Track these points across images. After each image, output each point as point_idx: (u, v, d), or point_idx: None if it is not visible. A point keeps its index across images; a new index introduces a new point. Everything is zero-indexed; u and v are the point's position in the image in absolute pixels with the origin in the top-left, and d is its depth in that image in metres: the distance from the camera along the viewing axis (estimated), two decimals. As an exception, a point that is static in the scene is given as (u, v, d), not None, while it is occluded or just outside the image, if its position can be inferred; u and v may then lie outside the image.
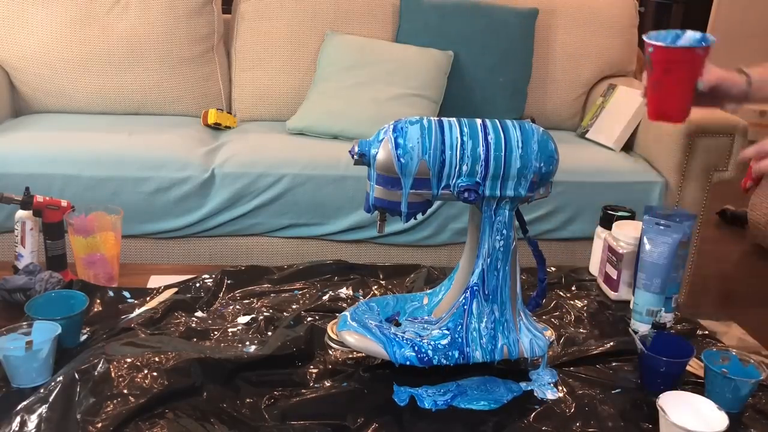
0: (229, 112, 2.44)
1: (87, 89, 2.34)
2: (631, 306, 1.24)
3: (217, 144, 2.15)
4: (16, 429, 0.85)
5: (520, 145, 0.97)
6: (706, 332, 1.24)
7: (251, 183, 1.99)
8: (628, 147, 2.33)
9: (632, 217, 1.37)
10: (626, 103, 2.34)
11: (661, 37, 1.03)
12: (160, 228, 2.00)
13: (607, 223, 1.38)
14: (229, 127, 2.34)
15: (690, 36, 1.04)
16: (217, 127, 2.32)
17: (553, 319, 1.25)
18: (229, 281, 1.31)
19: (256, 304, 1.24)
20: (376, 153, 0.95)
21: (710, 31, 5.53)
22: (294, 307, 1.23)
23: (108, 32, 2.30)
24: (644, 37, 1.03)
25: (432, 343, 1.00)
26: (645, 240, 1.19)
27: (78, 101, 2.36)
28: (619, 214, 1.37)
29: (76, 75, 2.32)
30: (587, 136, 2.42)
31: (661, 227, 1.18)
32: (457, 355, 1.00)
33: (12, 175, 1.90)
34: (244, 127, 2.37)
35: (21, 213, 1.29)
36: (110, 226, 1.29)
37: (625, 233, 1.28)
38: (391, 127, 0.96)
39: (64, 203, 1.30)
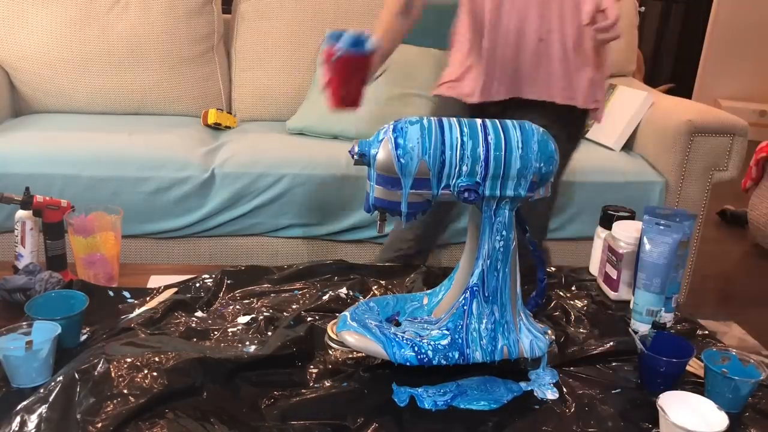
0: (229, 112, 2.44)
1: (87, 89, 2.34)
2: (631, 306, 1.24)
3: (217, 144, 2.15)
4: (16, 429, 0.85)
5: (520, 145, 0.97)
6: (706, 332, 1.24)
7: (251, 183, 1.99)
8: (628, 147, 2.33)
9: (632, 217, 1.37)
10: (626, 103, 2.34)
11: (331, 39, 1.21)
12: (160, 228, 2.00)
13: (607, 223, 1.38)
14: (229, 127, 2.34)
15: (349, 37, 1.22)
16: (217, 127, 2.32)
17: (553, 319, 1.25)
18: (229, 281, 1.31)
19: (256, 304, 1.24)
20: (376, 153, 0.95)
21: (710, 31, 5.53)
22: (294, 307, 1.23)
23: (108, 32, 2.30)
24: (327, 42, 1.20)
25: (432, 343, 1.00)
26: (645, 240, 1.19)
27: (78, 101, 2.36)
28: (619, 214, 1.37)
29: (76, 75, 2.32)
30: (587, 136, 2.42)
31: (661, 227, 1.18)
32: (457, 356, 1.00)
33: (12, 175, 1.90)
34: (244, 127, 2.37)
35: (21, 213, 1.29)
36: (110, 226, 1.29)
37: (625, 233, 1.28)
38: (391, 127, 0.96)
39: (64, 203, 1.30)
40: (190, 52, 2.38)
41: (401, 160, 0.94)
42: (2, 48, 2.29)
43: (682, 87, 4.93)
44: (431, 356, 0.99)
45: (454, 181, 0.96)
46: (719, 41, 5.07)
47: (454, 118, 0.98)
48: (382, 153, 0.95)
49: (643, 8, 3.83)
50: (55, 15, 2.28)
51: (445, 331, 1.01)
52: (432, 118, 0.97)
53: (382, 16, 1.44)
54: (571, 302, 1.31)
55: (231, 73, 2.49)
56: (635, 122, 2.30)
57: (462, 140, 0.95)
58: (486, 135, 0.96)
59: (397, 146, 0.94)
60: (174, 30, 2.34)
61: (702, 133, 2.09)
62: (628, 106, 2.31)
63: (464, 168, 0.96)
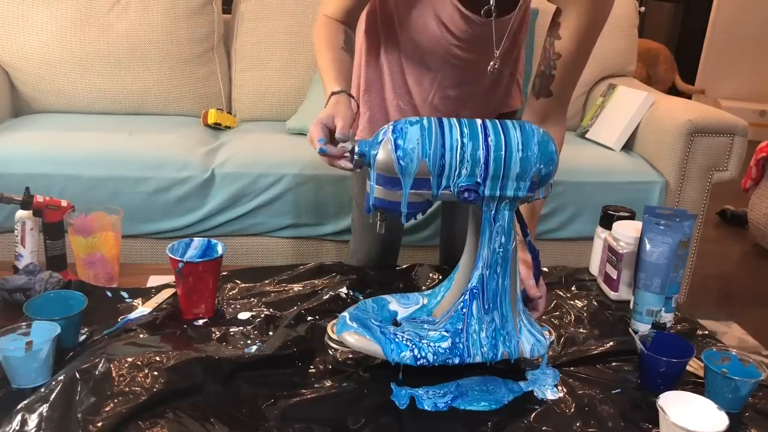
0: (229, 112, 2.44)
1: (87, 89, 2.34)
2: (631, 306, 1.24)
3: (217, 144, 2.15)
4: (17, 428, 0.85)
5: (520, 147, 0.96)
6: (706, 332, 1.24)
7: (251, 183, 1.99)
8: (628, 147, 2.33)
9: (632, 217, 1.37)
10: (626, 103, 2.34)
11: (174, 249, 1.18)
12: (160, 228, 2.00)
13: (607, 223, 1.38)
14: (229, 127, 2.34)
15: (200, 242, 1.22)
16: (217, 127, 2.33)
17: (553, 319, 1.25)
18: (229, 281, 1.31)
19: (257, 304, 1.24)
20: (376, 154, 0.95)
21: (710, 31, 5.50)
22: (294, 307, 1.23)
23: (108, 32, 2.30)
24: (168, 254, 1.15)
25: (432, 345, 0.99)
26: (645, 240, 1.19)
27: (78, 101, 2.36)
28: (619, 214, 1.37)
29: (76, 75, 2.32)
30: (587, 136, 2.43)
31: (661, 227, 1.18)
32: (457, 362, 1.00)
33: (12, 175, 1.90)
34: (244, 127, 2.37)
35: (21, 213, 1.29)
36: (110, 226, 1.29)
37: (625, 233, 1.28)
38: (391, 128, 0.95)
39: (64, 203, 1.30)
40: (190, 52, 2.38)
41: (401, 162, 0.94)
42: (2, 48, 2.29)
43: (682, 87, 4.93)
44: (431, 360, 0.99)
45: (454, 181, 0.96)
46: (719, 41, 5.07)
47: (454, 118, 0.98)
48: (382, 154, 0.95)
49: (643, 8, 3.83)
50: (55, 15, 2.28)
51: (444, 333, 1.00)
52: (432, 118, 0.97)
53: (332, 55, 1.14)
54: (571, 302, 1.31)
55: (231, 73, 2.49)
56: (635, 122, 2.30)
57: (462, 141, 0.95)
58: (486, 136, 0.96)
59: (396, 148, 0.94)
60: (174, 30, 2.34)
61: (702, 133, 2.09)
62: (628, 106, 2.31)
63: (464, 171, 0.95)
